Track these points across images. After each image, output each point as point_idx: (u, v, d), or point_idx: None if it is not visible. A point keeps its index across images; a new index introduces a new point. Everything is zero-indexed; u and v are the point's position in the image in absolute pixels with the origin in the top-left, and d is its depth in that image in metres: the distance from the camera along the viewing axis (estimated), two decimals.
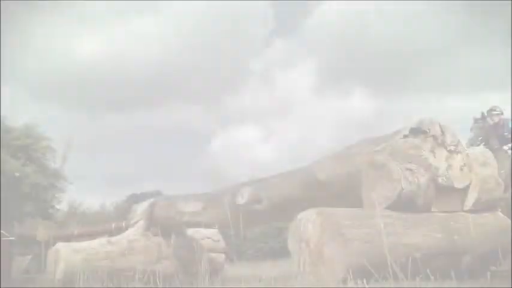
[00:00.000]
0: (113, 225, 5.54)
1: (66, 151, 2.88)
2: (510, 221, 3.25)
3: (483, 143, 6.95)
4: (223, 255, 5.90)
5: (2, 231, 4.94)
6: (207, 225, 4.27)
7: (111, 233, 5.21)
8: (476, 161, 3.13)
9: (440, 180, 2.84)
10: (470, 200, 3.05)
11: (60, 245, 4.25)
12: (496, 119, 6.92)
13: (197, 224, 4.40)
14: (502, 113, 7.32)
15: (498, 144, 6.81)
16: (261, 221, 4.63)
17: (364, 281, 1.95)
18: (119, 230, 5.11)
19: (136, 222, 4.79)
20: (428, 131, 2.89)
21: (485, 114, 7.19)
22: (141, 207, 4.90)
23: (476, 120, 7.16)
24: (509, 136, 6.46)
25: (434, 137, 2.91)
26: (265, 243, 15.95)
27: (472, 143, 6.96)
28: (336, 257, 2.32)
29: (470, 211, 3.01)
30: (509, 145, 6.80)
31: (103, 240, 4.61)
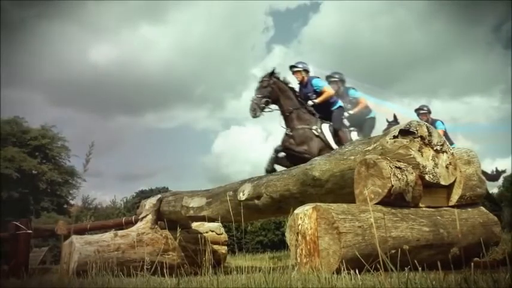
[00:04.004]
0: (123, 220, 5.55)
1: (89, 154, 2.84)
2: (492, 216, 3.26)
3: (269, 105, 6.12)
4: (225, 247, 5.91)
5: (19, 224, 4.94)
6: (211, 219, 4.26)
7: (121, 227, 5.22)
8: (461, 160, 3.14)
9: (427, 177, 2.84)
10: (455, 196, 3.05)
11: (74, 238, 4.25)
12: (424, 118, 6.64)
13: (201, 218, 4.39)
14: (429, 112, 7.01)
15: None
16: (261, 216, 4.62)
17: (357, 271, 1.95)
18: (129, 224, 5.12)
19: (144, 217, 4.79)
20: (416, 132, 2.89)
21: (276, 71, 6.18)
22: (150, 203, 4.90)
23: (261, 79, 6.27)
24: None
25: (422, 138, 2.90)
26: (264, 236, 15.95)
27: (255, 106, 6.02)
28: (330, 249, 2.32)
29: (455, 206, 3.01)
30: (454, 145, 6.08)
31: (114, 233, 4.61)
